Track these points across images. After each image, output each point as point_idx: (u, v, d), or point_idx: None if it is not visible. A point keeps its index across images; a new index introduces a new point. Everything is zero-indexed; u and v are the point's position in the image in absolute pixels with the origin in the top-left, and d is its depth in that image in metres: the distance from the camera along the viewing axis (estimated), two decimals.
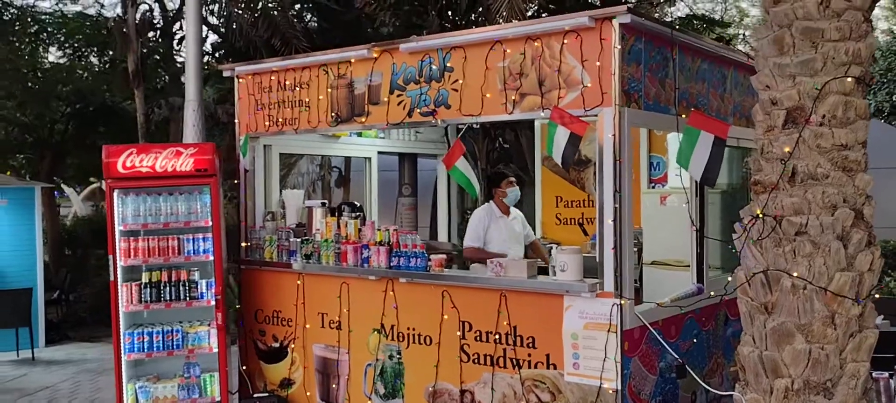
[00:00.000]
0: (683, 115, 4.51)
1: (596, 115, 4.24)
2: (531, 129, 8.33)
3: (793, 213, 3.62)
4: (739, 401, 3.76)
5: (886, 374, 3.95)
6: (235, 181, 6.27)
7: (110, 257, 5.32)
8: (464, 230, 9.87)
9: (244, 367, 5.94)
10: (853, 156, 3.63)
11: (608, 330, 4.15)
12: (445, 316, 4.78)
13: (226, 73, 6.10)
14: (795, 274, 3.57)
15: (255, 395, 5.65)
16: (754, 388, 3.70)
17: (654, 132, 6.22)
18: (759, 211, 3.74)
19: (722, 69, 5.28)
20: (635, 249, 5.66)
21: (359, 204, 6.27)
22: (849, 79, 3.61)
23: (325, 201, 6.09)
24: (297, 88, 5.60)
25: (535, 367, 4.43)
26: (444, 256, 5.02)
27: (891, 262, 11.74)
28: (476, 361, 4.66)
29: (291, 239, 5.66)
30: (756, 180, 3.82)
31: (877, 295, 8.75)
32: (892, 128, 17.71)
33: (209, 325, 5.44)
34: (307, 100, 5.55)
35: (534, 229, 7.33)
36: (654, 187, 6.95)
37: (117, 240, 5.31)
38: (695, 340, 4.78)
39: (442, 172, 7.36)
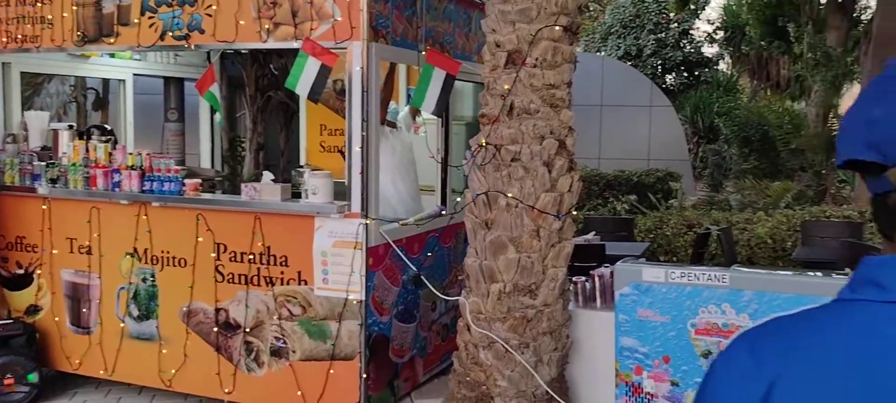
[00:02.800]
0: (425, 52, 4.92)
1: (345, 48, 4.50)
2: None
3: (510, 143, 4.17)
4: (463, 304, 4.34)
5: (583, 278, 4.72)
6: None
7: None
8: (230, 156, 9.77)
9: None
10: (559, 94, 4.22)
11: (354, 248, 4.52)
12: (200, 239, 4.89)
13: None
14: (510, 195, 4.14)
15: None
16: (476, 293, 4.28)
17: (410, 66, 6.62)
18: (483, 141, 4.26)
19: (468, 11, 5.76)
20: None
21: (110, 128, 6.07)
22: (557, 27, 4.18)
23: (73, 124, 5.82)
24: (39, 3, 5.27)
25: (288, 284, 4.72)
26: (199, 180, 5.09)
27: (624, 188, 13.39)
28: (231, 281, 4.85)
29: (35, 163, 5.39)
30: (483, 113, 4.32)
31: (591, 215, 9.95)
32: (636, 70, 19.84)
33: None
34: (50, 16, 5.25)
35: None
36: None
37: None
38: (435, 255, 5.32)
39: None
